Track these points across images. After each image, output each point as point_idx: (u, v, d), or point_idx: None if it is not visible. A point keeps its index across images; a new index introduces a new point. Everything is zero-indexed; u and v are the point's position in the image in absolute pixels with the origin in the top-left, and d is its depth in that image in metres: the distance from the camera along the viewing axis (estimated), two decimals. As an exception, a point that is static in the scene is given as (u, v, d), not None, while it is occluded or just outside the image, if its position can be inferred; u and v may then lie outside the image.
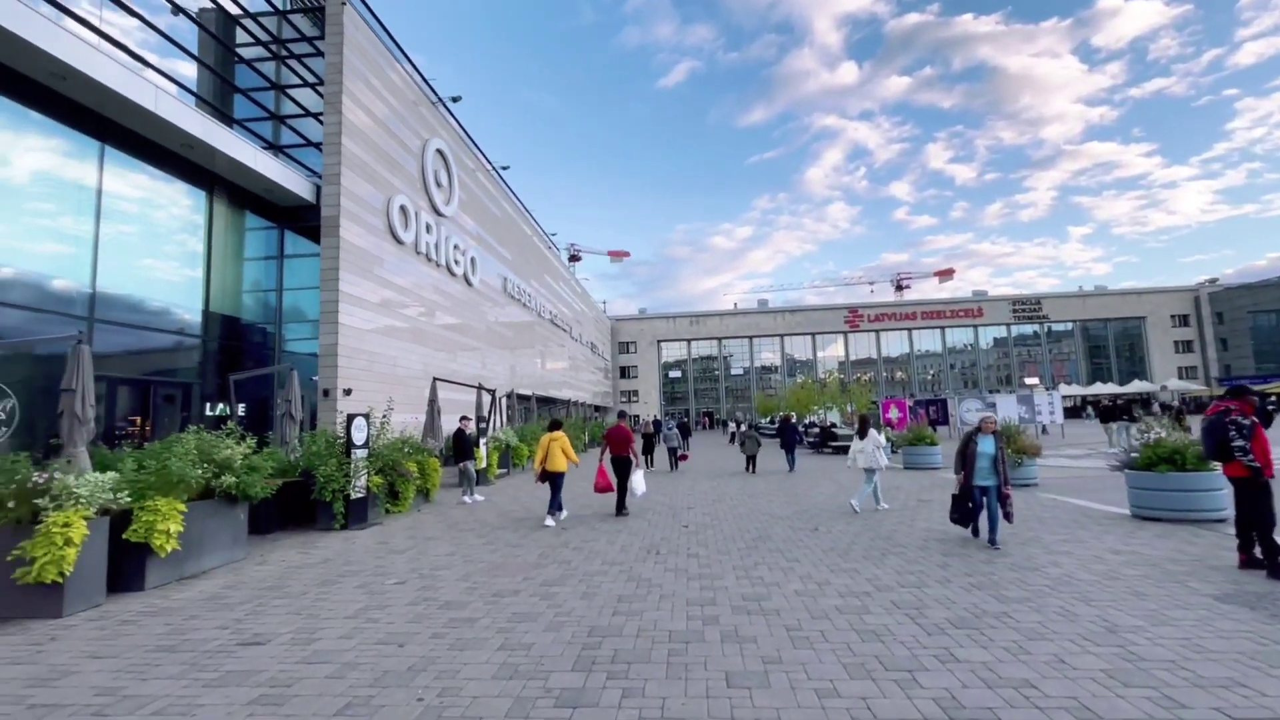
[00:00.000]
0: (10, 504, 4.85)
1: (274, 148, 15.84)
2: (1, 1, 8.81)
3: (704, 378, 72.07)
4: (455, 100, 22.44)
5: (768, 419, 44.76)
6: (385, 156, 17.86)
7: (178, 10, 13.74)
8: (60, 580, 4.78)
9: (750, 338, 70.59)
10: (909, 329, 68.50)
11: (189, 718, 3.06)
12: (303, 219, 15.91)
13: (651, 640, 4.01)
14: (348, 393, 15.14)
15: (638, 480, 9.62)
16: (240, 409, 14.64)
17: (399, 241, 18.35)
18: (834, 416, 35.52)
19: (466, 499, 11.19)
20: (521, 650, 3.88)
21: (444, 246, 21.43)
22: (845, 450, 22.14)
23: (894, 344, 69.29)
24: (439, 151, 21.54)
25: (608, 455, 10.01)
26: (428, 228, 20.20)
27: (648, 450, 19.37)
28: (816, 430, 24.17)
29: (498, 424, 19.09)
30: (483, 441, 14.21)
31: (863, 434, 9.54)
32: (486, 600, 5.02)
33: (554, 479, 9.04)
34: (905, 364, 68.91)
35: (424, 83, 20.88)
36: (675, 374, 72.08)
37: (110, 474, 5.39)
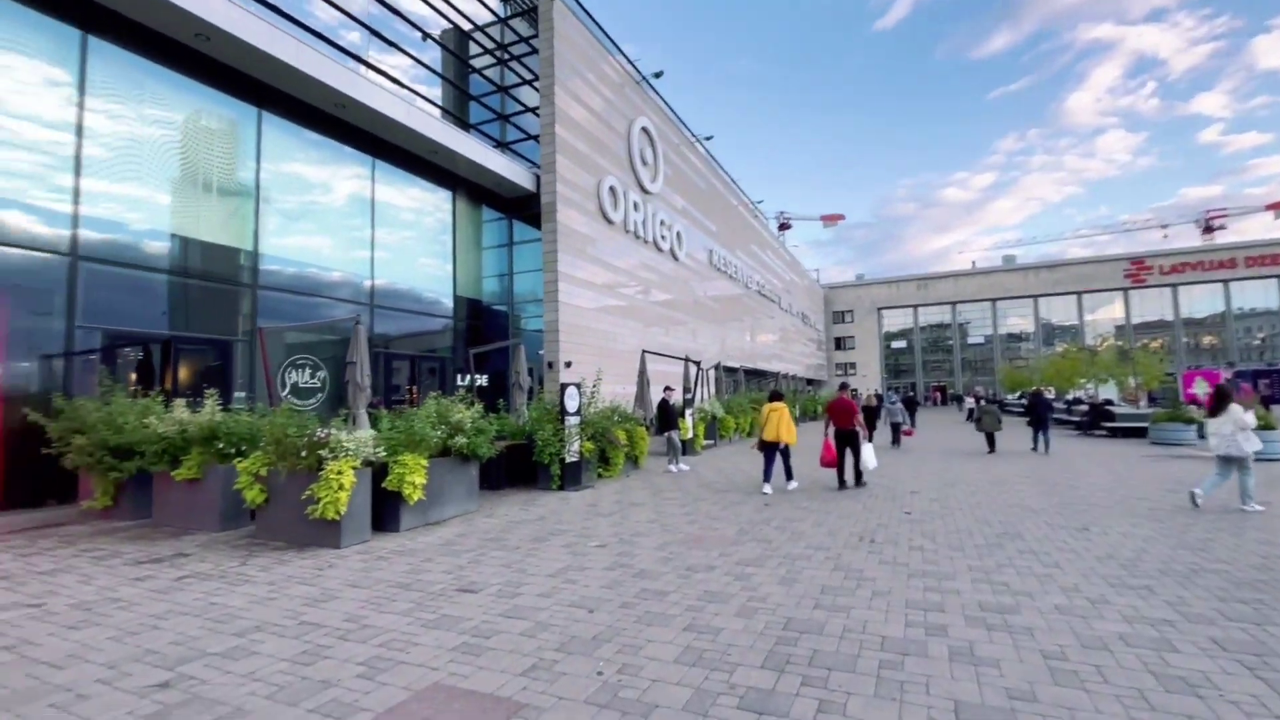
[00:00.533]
0: (303, 454, 5.96)
1: (501, 145, 17.57)
2: (304, 52, 10.89)
3: (934, 348, 64.72)
4: (657, 76, 22.67)
5: (1016, 394, 38.50)
6: (595, 140, 18.73)
7: (427, 37, 15.80)
8: (337, 518, 5.76)
9: (993, 300, 61.36)
10: (1224, 280, 53.27)
11: (403, 654, 3.35)
12: (527, 207, 17.44)
13: (859, 645, 3.42)
14: (568, 365, 16.38)
15: (868, 454, 9.12)
16: (482, 379, 16.79)
17: (609, 221, 19.21)
18: (1110, 391, 29.14)
19: (672, 468, 11.34)
20: (709, 634, 3.59)
21: (651, 223, 21.95)
22: (1122, 433, 17.86)
23: (1199, 301, 54.53)
24: (644, 130, 22.00)
25: (832, 429, 9.31)
26: (635, 206, 20.84)
27: (869, 425, 17.90)
28: (1085, 408, 19.93)
29: (704, 396, 19.18)
30: (688, 413, 14.30)
31: (1218, 410, 7.41)
32: (679, 573, 4.85)
33: (770, 449, 9.05)
34: (1219, 326, 53.91)
35: (628, 63, 21.42)
36: (899, 344, 65.93)
37: (370, 431, 6.37)
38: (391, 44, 14.05)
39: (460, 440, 7.22)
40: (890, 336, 66.40)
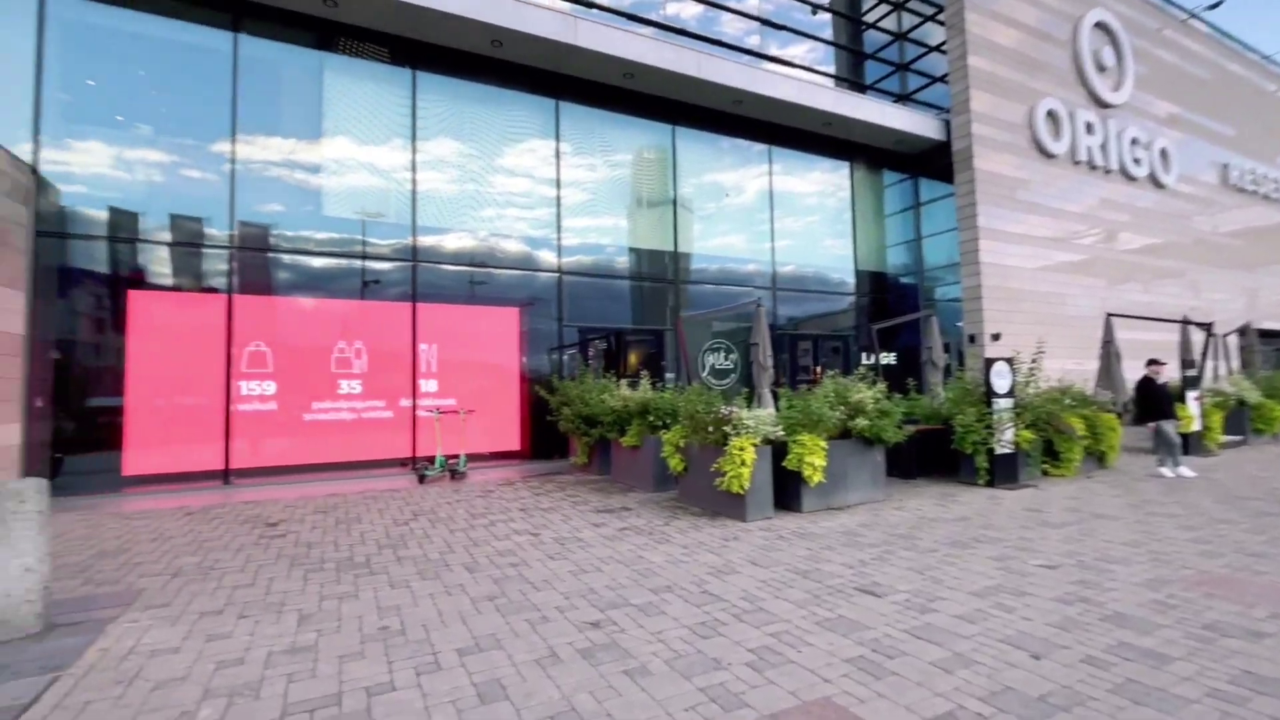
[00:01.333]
0: (710, 429, 6.38)
1: (901, 99, 15.89)
2: (705, 63, 11.91)
3: None
4: (1120, -54, 16.93)
5: None
6: (1022, 60, 15.20)
7: (816, 10, 15.44)
8: (741, 492, 5.96)
9: None
10: None
11: (794, 652, 3.09)
12: (934, 161, 15.37)
13: None
14: (995, 338, 13.82)
15: None
16: (889, 358, 15.61)
17: (1047, 155, 15.39)
18: None
19: (1165, 471, 8.24)
20: (1264, 750, 2.23)
21: (1114, 146, 16.71)
22: None
23: None
24: (1100, 26, 16.84)
25: None
26: (1088, 128, 16.16)
27: None
28: None
29: (1218, 371, 13.50)
30: (1190, 396, 10.23)
31: None
32: (1191, 633, 3.28)
33: None
34: None
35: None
36: None
37: (769, 410, 6.41)
38: (781, 27, 14.18)
39: (861, 422, 6.66)
40: None
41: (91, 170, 8.60)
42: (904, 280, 16.54)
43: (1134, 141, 17.14)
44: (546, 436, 10.79)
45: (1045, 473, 8.36)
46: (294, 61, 9.92)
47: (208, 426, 8.84)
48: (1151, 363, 8.79)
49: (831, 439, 6.72)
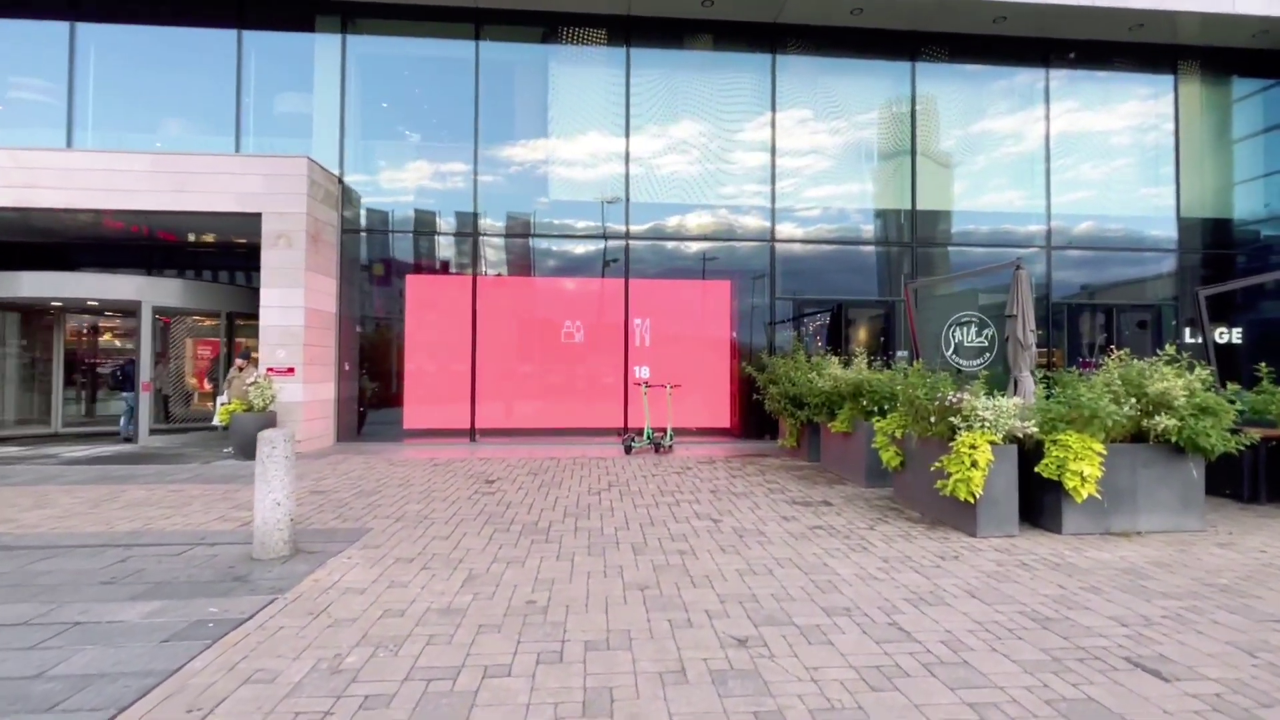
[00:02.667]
0: (932, 419, 5.23)
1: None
2: (951, -24, 9.89)
3: None
4: None
5: None
6: None
7: None
8: (971, 500, 4.77)
9: None
10: None
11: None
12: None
13: None
14: None
15: None
16: (1232, 334, 11.59)
17: None
18: None
19: None
20: None
21: None
22: None
23: None
24: None
25: None
26: None
27: None
28: None
29: None
30: None
31: None
32: None
33: None
34: None
35: None
36: None
37: (1015, 400, 4.97)
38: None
39: (1165, 422, 4.83)
40: None
41: (379, 176, 10.42)
42: (1260, 229, 12.03)
43: None
44: (757, 416, 10.25)
45: None
46: (522, 59, 10.75)
47: (458, 391, 10.22)
48: None
49: (1116, 441, 5.03)
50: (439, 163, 10.50)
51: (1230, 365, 9.77)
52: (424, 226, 10.46)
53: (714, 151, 10.79)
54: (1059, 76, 11.37)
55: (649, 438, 9.21)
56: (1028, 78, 11.34)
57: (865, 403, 6.79)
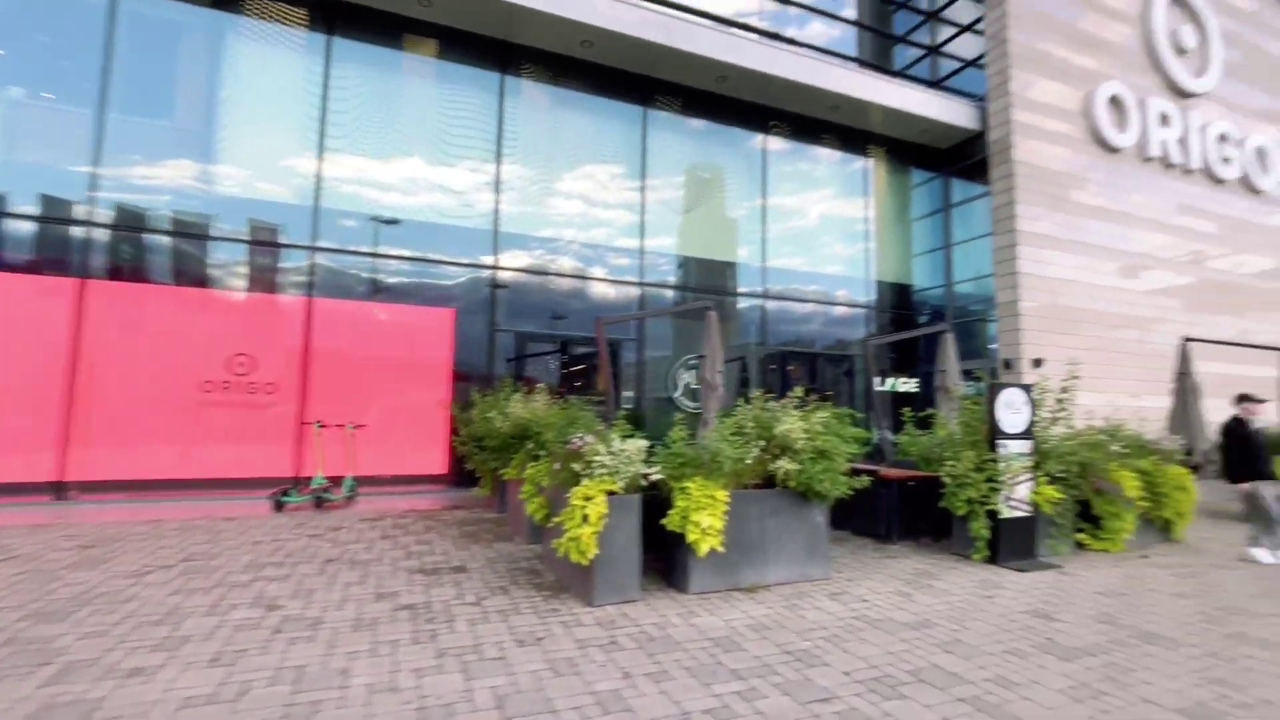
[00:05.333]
0: (556, 466, 4.50)
1: (936, 85, 13.67)
2: (679, 27, 10.19)
3: None
4: (1203, -94, 14.34)
5: None
6: (1076, 36, 12.82)
7: None
8: (583, 562, 4.03)
9: None
10: None
11: None
12: (967, 156, 13.09)
13: None
14: (1037, 364, 11.34)
15: None
16: (910, 383, 13.22)
17: (1109, 149, 12.86)
18: None
19: (1261, 555, 5.75)
20: None
21: (1196, 142, 13.97)
22: None
23: None
24: (1177, 1, 14.20)
25: None
26: (1163, 119, 13.53)
27: None
28: None
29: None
30: (1300, 446, 7.59)
31: None
32: None
33: None
34: None
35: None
36: None
37: (641, 442, 4.45)
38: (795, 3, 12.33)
39: (787, 466, 4.63)
40: None
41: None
42: (934, 294, 14.15)
43: (1221, 137, 14.32)
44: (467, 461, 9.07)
45: (1081, 545, 6.02)
46: (187, 22, 8.77)
47: (37, 431, 7.52)
48: (1243, 400, 6.34)
49: (748, 487, 4.72)
50: (50, 125, 7.98)
51: (907, 409, 10.96)
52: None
53: (436, 161, 9.73)
54: (776, 143, 12.37)
55: (321, 489, 7.52)
56: (750, 140, 12.15)
57: (531, 446, 5.98)
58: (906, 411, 7.36)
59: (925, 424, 7.04)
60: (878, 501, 6.35)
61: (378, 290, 9.30)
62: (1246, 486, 5.88)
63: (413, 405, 9.23)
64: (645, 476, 4.38)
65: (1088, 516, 6.02)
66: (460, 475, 9.27)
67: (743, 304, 11.92)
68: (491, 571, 4.90)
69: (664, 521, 4.38)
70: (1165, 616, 4.16)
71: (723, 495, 4.36)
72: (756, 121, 12.10)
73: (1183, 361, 9.21)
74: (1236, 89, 15.03)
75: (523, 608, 4.06)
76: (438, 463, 9.41)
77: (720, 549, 4.30)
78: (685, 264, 11.67)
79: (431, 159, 9.72)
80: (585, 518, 4.00)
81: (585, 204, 10.72)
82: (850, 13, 13.74)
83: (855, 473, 5.06)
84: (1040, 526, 5.64)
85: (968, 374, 12.46)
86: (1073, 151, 12.48)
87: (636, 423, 10.56)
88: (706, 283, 11.78)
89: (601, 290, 10.77)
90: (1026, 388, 5.77)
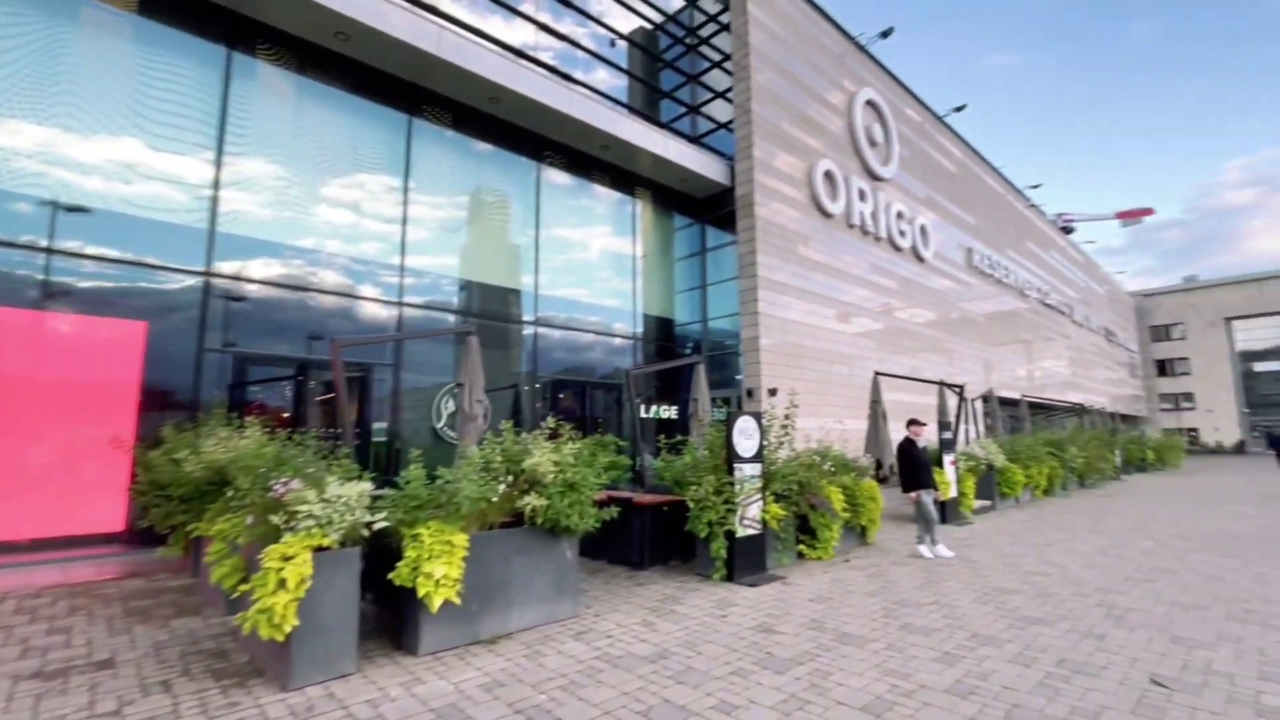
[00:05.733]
0: (251, 519, 3.68)
1: (695, 141, 15.11)
2: (449, 38, 9.71)
3: (1334, 370, 45.33)
4: (885, 35, 18.36)
5: None
6: (804, 118, 15.26)
7: (615, 42, 14.25)
8: (279, 637, 3.28)
9: None
10: None
11: None
12: (720, 207, 14.63)
13: None
14: (772, 393, 12.87)
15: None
16: (670, 411, 14.10)
17: (825, 215, 15.41)
18: None
19: (925, 551, 7.08)
20: None
21: (883, 216, 17.47)
22: None
23: None
24: (870, 104, 17.80)
25: None
26: (860, 195, 16.66)
27: None
28: None
29: (971, 434, 13.87)
30: (947, 460, 9.68)
31: None
32: None
33: None
34: None
35: (842, 36, 17.53)
36: (1268, 366, 47.60)
37: (364, 485, 3.86)
38: (563, 38, 12.62)
39: (534, 502, 4.40)
40: (1250, 356, 48.32)
41: None
42: (694, 328, 15.42)
43: (899, 215, 18.18)
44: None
45: (802, 554, 6.81)
46: None
47: None
48: (911, 423, 7.84)
49: (491, 527, 4.37)
50: None
51: (669, 436, 11.58)
52: None
53: (139, 144, 7.79)
54: (552, 174, 12.46)
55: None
56: (525, 167, 12.06)
57: (232, 496, 4.89)
58: (661, 439, 7.71)
59: (678, 450, 7.42)
60: (631, 528, 6.46)
61: (51, 296, 7.06)
62: (914, 495, 7.25)
63: (76, 443, 7.10)
64: (368, 525, 3.77)
65: (805, 529, 6.83)
66: (146, 533, 7.33)
67: (516, 331, 11.62)
68: (155, 662, 3.80)
69: (391, 576, 3.82)
70: (858, 615, 4.79)
71: (461, 540, 3.95)
72: (532, 150, 12.06)
73: (874, 391, 11.20)
74: (908, 179, 19.31)
75: (186, 709, 3.15)
76: (111, 518, 7.32)
77: (457, 600, 3.87)
78: (458, 286, 11.01)
79: (132, 140, 7.77)
80: (283, 582, 3.27)
81: (351, 213, 9.52)
82: (623, 63, 14.60)
83: (608, 502, 5.04)
84: (769, 542, 6.22)
85: (725, 402, 13.77)
86: (800, 213, 14.73)
87: (389, 459, 9.58)
88: (479, 307, 11.25)
89: (361, 310, 9.60)
90: (757, 415, 6.39)
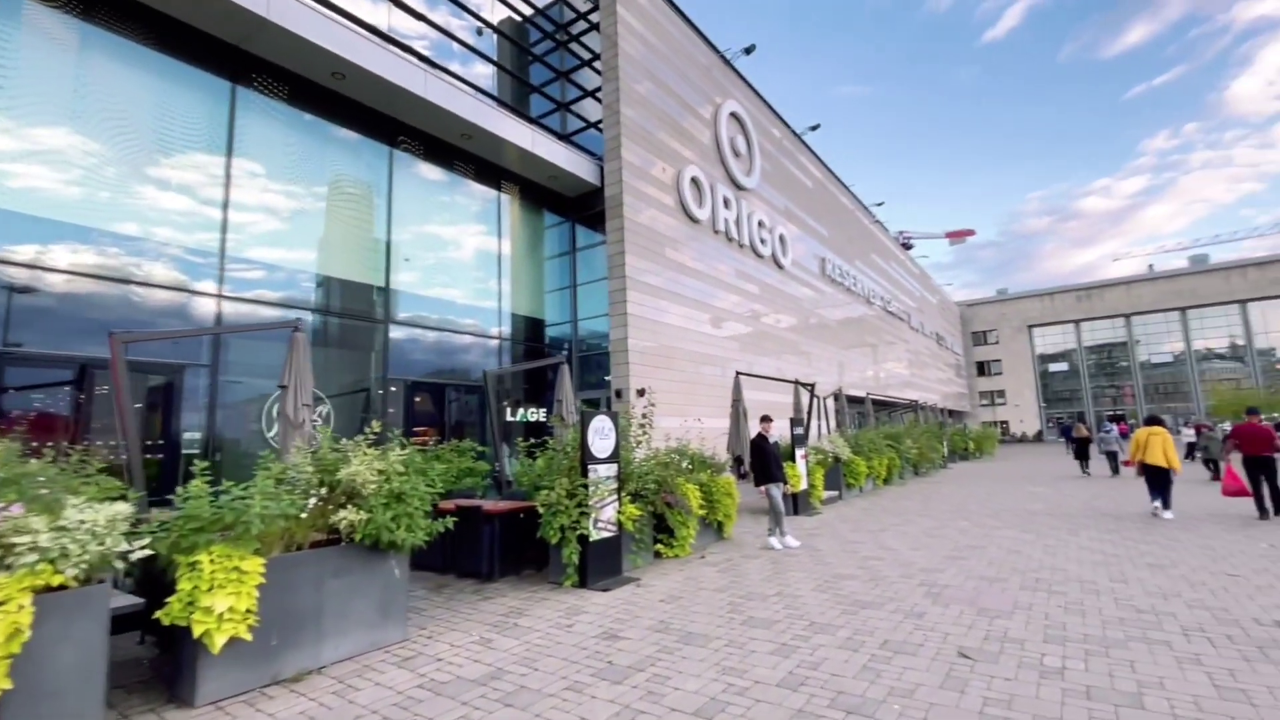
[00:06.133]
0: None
1: (565, 138, 14.86)
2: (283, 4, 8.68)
3: (1106, 371, 54.31)
4: (748, 51, 19.29)
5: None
6: (672, 125, 15.57)
7: (482, 31, 13.59)
8: (-18, 707, 2.57)
9: (1181, 310, 50.57)
10: None
11: None
12: (590, 206, 14.51)
13: None
14: (641, 393, 12.93)
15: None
16: (539, 414, 13.71)
17: (693, 220, 15.81)
18: None
19: (775, 543, 7.34)
20: None
21: (746, 224, 18.30)
22: None
23: None
24: (734, 116, 18.59)
25: (1237, 456, 8.91)
26: (725, 202, 17.32)
27: (1082, 455, 17.06)
28: None
29: (823, 430, 14.85)
30: (799, 454, 10.21)
31: None
32: None
33: (1152, 474, 9.06)
34: None
35: (710, 49, 18.17)
36: (1059, 367, 56.11)
37: (119, 507, 3.19)
38: (432, 23, 11.83)
39: (350, 516, 3.91)
40: (1047, 359, 56.72)
41: None
42: (564, 328, 15.13)
43: (760, 224, 19.15)
44: None
45: (659, 554, 6.77)
46: None
47: None
48: (763, 420, 8.12)
49: (300, 547, 3.82)
50: None
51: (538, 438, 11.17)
52: None
53: None
54: (409, 162, 11.63)
55: None
56: (376, 151, 11.13)
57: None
58: (520, 441, 7.36)
59: (536, 453, 7.11)
60: (481, 538, 6.06)
61: None
62: (763, 488, 7.50)
63: None
64: (124, 556, 3.10)
65: (663, 528, 6.81)
66: None
67: (367, 330, 10.67)
68: None
69: (159, 614, 3.17)
70: (705, 613, 4.78)
71: (254, 565, 3.38)
72: (385, 134, 11.17)
73: (736, 390, 11.58)
74: (769, 190, 20.42)
75: None
76: None
77: (248, 636, 3.30)
78: (297, 279, 9.87)
79: None
80: (-15, 636, 2.56)
81: (156, 190, 8.14)
82: (493, 55, 14.01)
83: (453, 512, 4.63)
84: (625, 543, 6.10)
85: (594, 403, 13.61)
86: (670, 217, 14.98)
87: (206, 473, 8.37)
88: (322, 303, 10.18)
89: (171, 302, 8.26)
90: (613, 415, 6.26)
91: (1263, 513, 8.57)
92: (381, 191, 11.13)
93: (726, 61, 18.85)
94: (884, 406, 27.98)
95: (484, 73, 13.48)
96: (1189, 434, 20.75)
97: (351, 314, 10.63)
